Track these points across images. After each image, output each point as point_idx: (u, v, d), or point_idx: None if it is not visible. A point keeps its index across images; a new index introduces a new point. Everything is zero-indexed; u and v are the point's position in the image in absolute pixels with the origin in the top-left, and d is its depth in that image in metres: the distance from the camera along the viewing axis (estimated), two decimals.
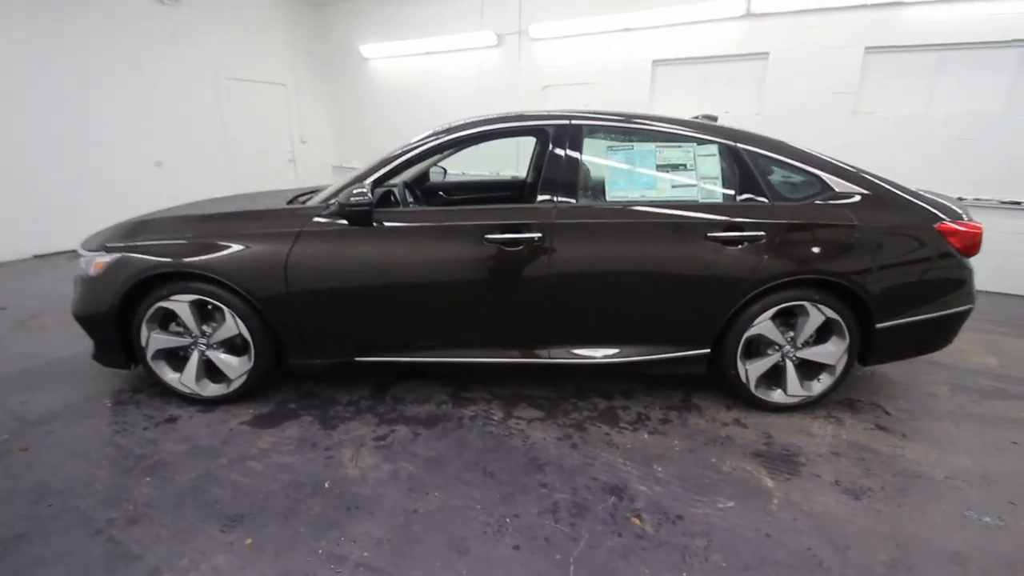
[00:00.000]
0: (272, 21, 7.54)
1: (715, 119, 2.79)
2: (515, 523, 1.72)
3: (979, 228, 2.35)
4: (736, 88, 5.47)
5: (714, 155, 2.32)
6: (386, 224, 2.26)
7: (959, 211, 2.38)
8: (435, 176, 3.92)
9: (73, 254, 5.67)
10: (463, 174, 7.23)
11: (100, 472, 1.98)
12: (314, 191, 2.84)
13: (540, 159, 3.73)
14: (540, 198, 2.28)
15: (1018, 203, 4.51)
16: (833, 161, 2.38)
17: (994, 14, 4.40)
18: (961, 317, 2.43)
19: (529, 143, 3.74)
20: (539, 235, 2.20)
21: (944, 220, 2.31)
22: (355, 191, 2.15)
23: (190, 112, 6.77)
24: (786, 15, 5.03)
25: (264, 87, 7.58)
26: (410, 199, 3.07)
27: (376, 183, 2.32)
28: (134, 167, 6.28)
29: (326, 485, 1.90)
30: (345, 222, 2.24)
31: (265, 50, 7.51)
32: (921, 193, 2.41)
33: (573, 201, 2.26)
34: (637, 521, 1.74)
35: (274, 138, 7.88)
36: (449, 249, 2.25)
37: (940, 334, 2.47)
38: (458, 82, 7.18)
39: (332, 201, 2.29)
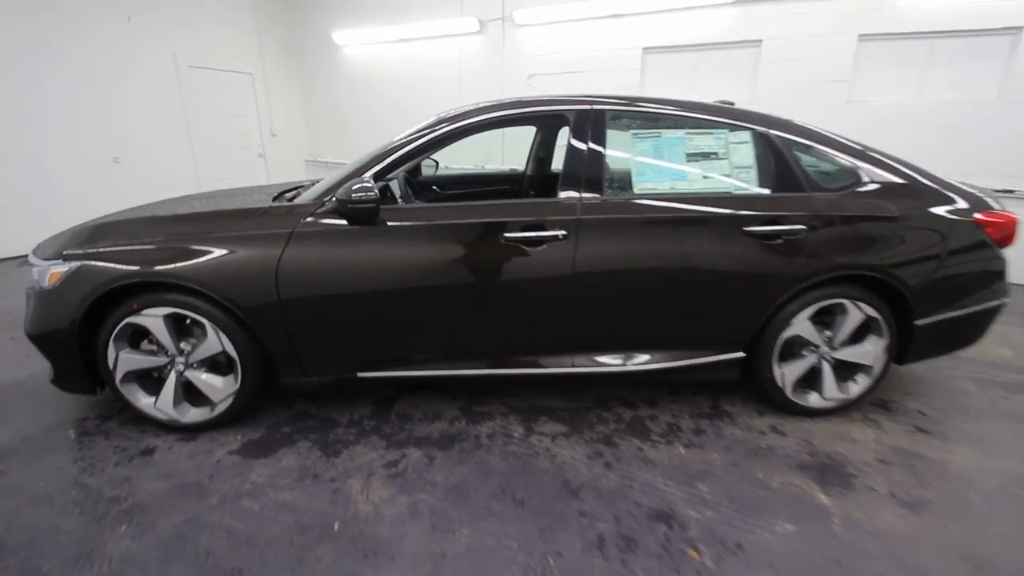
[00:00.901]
0: (236, 5, 7.06)
1: (732, 104, 2.62)
2: (560, 564, 1.52)
3: (1014, 218, 2.24)
4: (728, 76, 5.34)
5: (747, 143, 2.15)
6: (390, 223, 2.01)
7: (992, 201, 2.27)
8: (427, 170, 3.66)
9: (22, 261, 5.17)
10: (446, 168, 7.00)
11: (66, 521, 1.69)
12: (299, 187, 2.56)
13: (542, 150, 3.53)
14: (562, 193, 2.06)
15: (1011, 191, 4.52)
16: (869, 149, 2.24)
17: (985, 1, 4.37)
18: (996, 311, 2.33)
19: (516, 134, 3.52)
20: (563, 232, 1.99)
21: (981, 210, 2.20)
22: (357, 186, 1.89)
23: (150, 103, 6.28)
24: (779, 2, 4.91)
25: (230, 76, 7.11)
26: (408, 194, 2.81)
27: (376, 177, 2.06)
28: (89, 163, 5.78)
29: (336, 527, 1.65)
30: (344, 221, 1.98)
31: (229, 36, 7.04)
32: (954, 183, 2.29)
33: (598, 195, 2.05)
34: (694, 554, 1.56)
35: (242, 131, 7.42)
36: (463, 249, 2.02)
37: (975, 329, 2.36)
38: (438, 71, 6.87)
39: (329, 198, 2.02)
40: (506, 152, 6.28)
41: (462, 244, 2.02)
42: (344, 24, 7.36)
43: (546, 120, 3.15)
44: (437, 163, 3.71)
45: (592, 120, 2.11)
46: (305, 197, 2.11)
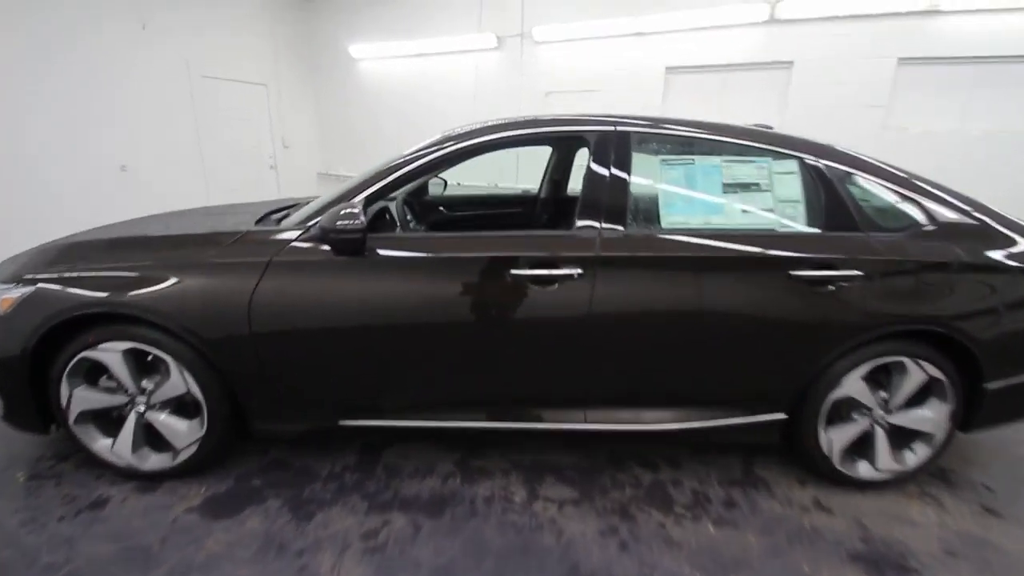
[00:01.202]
0: (253, 16, 7.00)
1: (770, 128, 2.36)
2: None
3: None
4: (756, 98, 5.09)
5: (794, 173, 1.87)
6: (382, 253, 1.76)
7: None
8: (434, 189, 3.43)
9: None
10: (458, 185, 6.80)
11: None
12: (293, 205, 2.33)
13: (557, 172, 3.28)
14: (579, 223, 1.80)
15: None
16: (933, 184, 1.95)
17: None
18: None
19: (532, 151, 3.28)
20: (579, 271, 1.72)
21: None
22: (343, 212, 1.65)
23: (160, 112, 6.18)
24: (813, 22, 4.67)
25: (243, 87, 7.02)
26: (409, 217, 2.57)
27: (369, 200, 1.82)
28: (95, 170, 5.66)
29: None
30: (329, 249, 1.74)
31: (245, 47, 6.96)
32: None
33: (621, 228, 1.79)
34: None
35: (254, 142, 7.31)
36: (463, 286, 1.76)
37: None
38: (454, 86, 6.71)
39: (313, 223, 1.78)
40: (521, 170, 6.06)
41: (462, 280, 1.76)
42: (361, 38, 7.27)
43: (563, 140, 2.90)
44: (445, 182, 3.47)
45: (615, 143, 1.85)
46: (289, 221, 1.87)
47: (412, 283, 1.77)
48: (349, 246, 1.69)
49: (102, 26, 5.53)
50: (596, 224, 1.79)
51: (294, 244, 1.76)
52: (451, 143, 1.89)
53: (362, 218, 1.63)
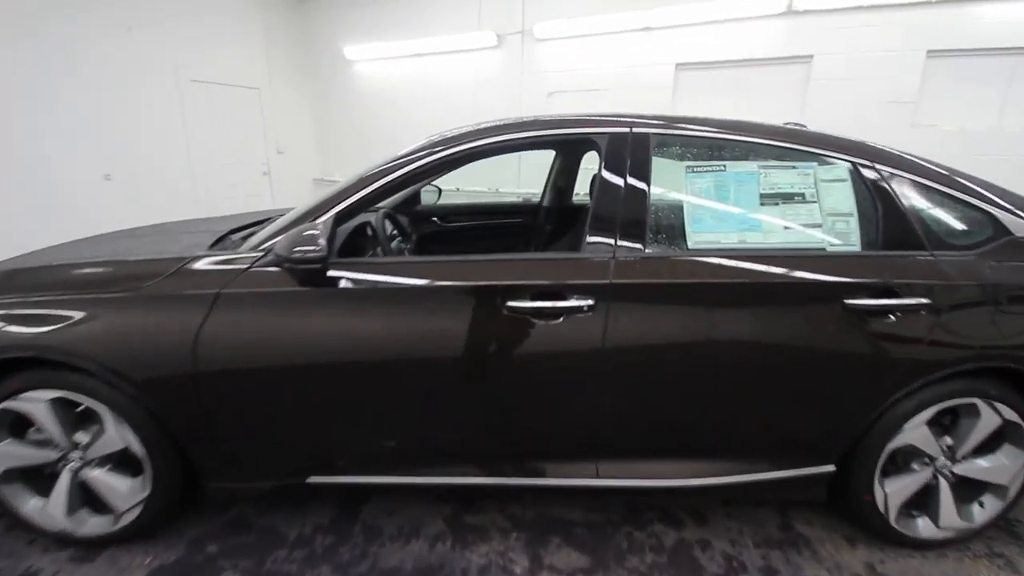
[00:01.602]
0: (244, 18, 6.75)
1: (803, 128, 2.06)
2: None
3: None
4: (773, 95, 4.78)
5: (844, 180, 1.57)
6: (352, 278, 1.48)
7: None
8: (428, 196, 3.15)
9: None
10: (457, 190, 6.52)
11: None
12: (264, 221, 2.05)
13: (561, 177, 2.98)
14: (589, 239, 1.51)
15: None
16: (1008, 194, 1.66)
17: None
18: None
19: (536, 154, 3.00)
20: (589, 302, 1.43)
21: None
22: (303, 234, 1.36)
23: (147, 117, 5.93)
24: (834, 13, 4.36)
25: (235, 91, 6.77)
26: (393, 231, 2.28)
27: (341, 218, 1.54)
28: (76, 180, 5.41)
29: None
30: (289, 277, 1.46)
31: (236, 50, 6.72)
32: None
33: (639, 248, 1.49)
34: None
35: (246, 148, 7.05)
36: (450, 321, 1.47)
37: None
38: (453, 87, 6.44)
39: (268, 245, 1.50)
40: (523, 174, 5.78)
41: (449, 314, 1.47)
42: (356, 39, 7.01)
43: (568, 143, 2.60)
44: (439, 190, 3.19)
45: (631, 147, 1.56)
46: (247, 244, 1.58)
47: (388, 317, 1.48)
48: (308, 276, 1.41)
49: (84, 29, 5.29)
50: (609, 244, 1.50)
51: (249, 272, 1.47)
52: (439, 149, 1.61)
53: (322, 242, 1.34)
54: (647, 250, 1.49)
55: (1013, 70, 4.03)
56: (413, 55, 6.64)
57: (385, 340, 1.47)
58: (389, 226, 2.18)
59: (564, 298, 1.44)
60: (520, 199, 3.33)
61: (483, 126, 1.66)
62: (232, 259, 1.51)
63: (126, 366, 1.44)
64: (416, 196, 3.02)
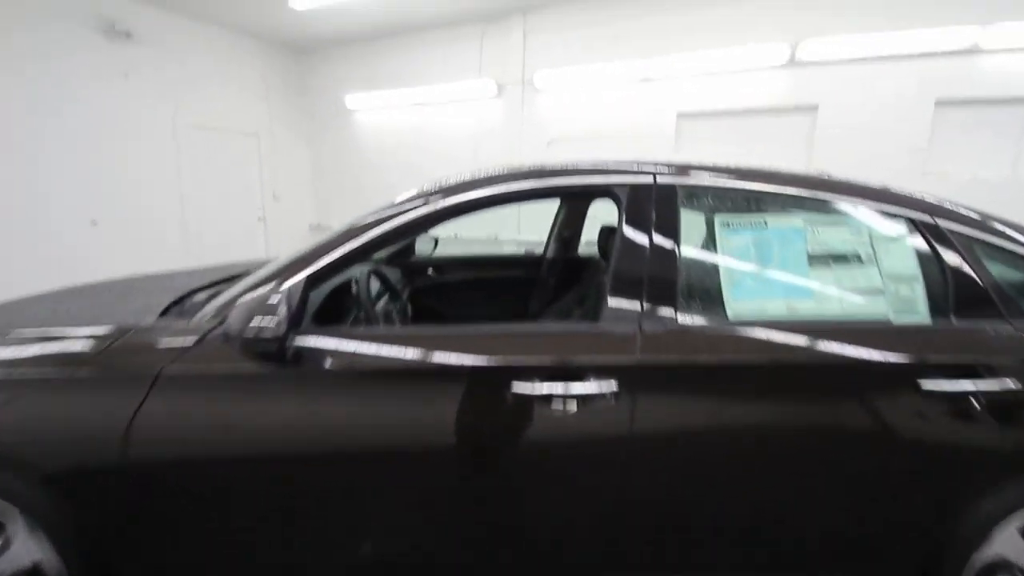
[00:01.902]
0: (243, 65, 6.77)
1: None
2: None
3: None
4: (778, 145, 4.68)
5: (904, 238, 1.35)
6: (324, 351, 1.22)
7: None
8: (423, 246, 2.93)
9: None
10: (455, 236, 6.36)
11: None
12: (235, 277, 1.81)
13: (567, 227, 2.77)
14: (610, 305, 1.26)
15: None
16: None
17: None
18: None
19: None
20: (613, 388, 1.17)
21: None
22: (260, 305, 1.12)
23: (140, 162, 5.82)
24: (838, 63, 4.32)
25: (233, 137, 6.72)
26: (380, 290, 2.04)
27: (316, 280, 1.30)
28: (63, 225, 5.24)
29: None
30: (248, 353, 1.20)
31: (235, 96, 6.70)
32: None
33: (670, 318, 1.25)
34: None
35: (242, 194, 6.94)
36: (439, 408, 1.21)
37: None
38: (454, 136, 6.39)
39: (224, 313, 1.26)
40: (524, 220, 5.64)
41: (439, 400, 1.21)
42: (357, 87, 7.02)
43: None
44: (436, 239, 2.98)
45: (656, 200, 1.34)
46: (203, 312, 1.33)
47: (366, 403, 1.22)
48: (265, 355, 1.15)
49: (79, 72, 5.23)
50: (634, 312, 1.25)
51: (198, 347, 1.22)
52: (436, 199, 1.39)
53: (283, 312, 1.09)
54: (679, 320, 1.25)
55: None
56: (413, 104, 6.64)
57: (362, 432, 1.20)
58: (376, 284, 1.94)
59: (582, 379, 1.18)
60: (522, 250, 3.11)
61: (485, 174, 1.45)
62: (180, 330, 1.26)
63: (43, 460, 1.16)
64: (410, 246, 2.81)
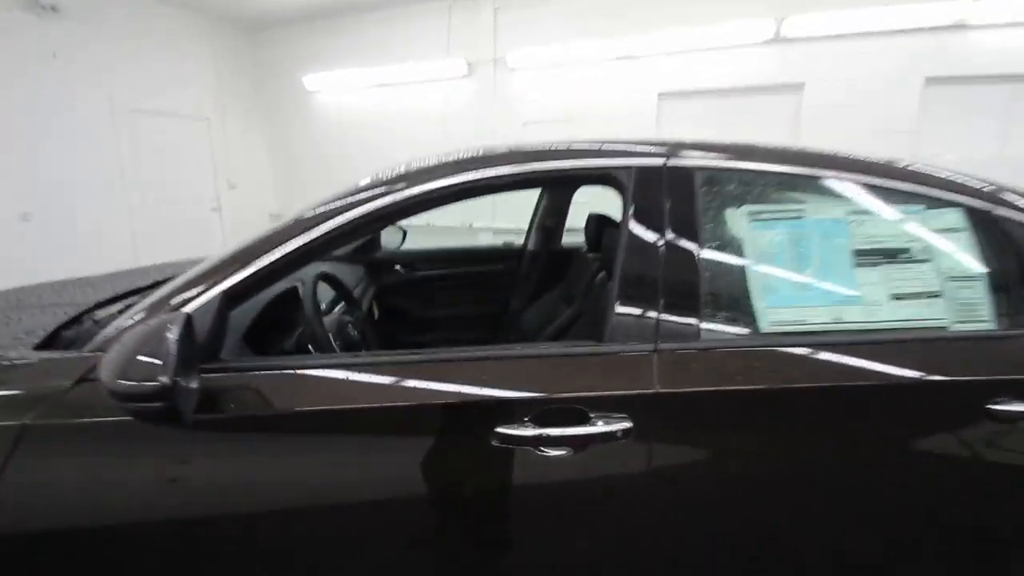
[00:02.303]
0: (190, 42, 6.23)
1: None
2: None
3: None
4: (763, 125, 4.50)
5: (963, 230, 1.13)
6: (243, 393, 0.94)
7: None
8: (389, 240, 2.63)
9: None
10: (428, 225, 6.03)
11: None
12: (156, 285, 1.48)
13: (550, 216, 2.50)
14: (617, 319, 1.00)
15: None
16: None
17: None
18: None
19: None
20: (623, 424, 0.92)
21: None
22: (151, 338, 0.81)
23: (77, 151, 5.28)
24: (825, 40, 4.13)
25: (180, 122, 6.19)
26: (332, 300, 1.74)
27: (240, 294, 1.00)
28: None
29: None
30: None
31: (182, 78, 6.17)
32: None
33: (693, 333, 1.00)
34: None
35: (193, 183, 6.44)
36: (403, 461, 0.95)
37: None
38: (421, 118, 6.02)
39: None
40: (499, 206, 5.36)
41: (396, 450, 0.94)
42: (316, 67, 6.55)
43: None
44: (404, 232, 2.68)
45: (669, 187, 1.08)
46: (94, 340, 1.02)
47: (298, 457, 0.94)
48: (149, 415, 0.85)
49: (9, 61, 4.68)
50: (648, 328, 1.00)
51: (75, 391, 0.91)
52: (391, 192, 1.10)
53: (172, 350, 0.78)
54: (703, 336, 1.00)
55: (1010, 97, 3.83)
56: (378, 85, 6.22)
57: (296, 494, 0.92)
58: (330, 291, 1.64)
59: (585, 420, 0.93)
60: (500, 242, 2.84)
61: (457, 158, 1.17)
62: (56, 368, 0.95)
63: None
64: (375, 240, 2.50)
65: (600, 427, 0.92)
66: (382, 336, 2.23)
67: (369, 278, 2.36)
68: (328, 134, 6.78)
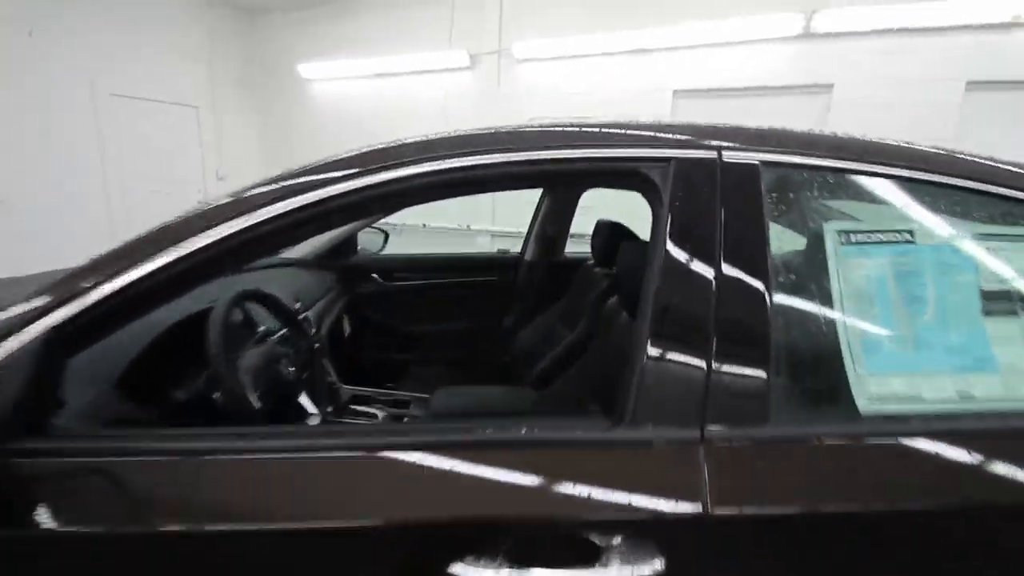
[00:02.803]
0: (179, 25, 5.90)
1: None
2: None
3: None
4: (787, 127, 4.14)
5: None
6: (59, 495, 0.61)
7: None
8: (367, 243, 2.30)
9: None
10: (424, 227, 5.71)
11: None
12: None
13: (551, 222, 2.18)
14: (644, 390, 0.67)
15: None
16: None
17: None
18: None
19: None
20: (657, 561, 0.59)
21: None
22: None
23: (53, 135, 4.97)
24: (858, 36, 3.79)
25: (167, 108, 5.87)
26: (265, 330, 1.38)
27: (82, 334, 0.67)
28: None
29: None
30: None
31: (171, 63, 5.84)
32: None
33: (760, 411, 0.66)
34: None
35: (179, 173, 6.12)
36: None
37: None
38: (423, 112, 5.69)
39: None
40: (499, 208, 5.05)
41: None
42: (313, 56, 6.23)
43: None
44: (386, 235, 2.35)
45: (726, 191, 0.75)
46: None
47: None
48: None
49: None
50: (691, 403, 0.66)
51: None
52: (353, 174, 0.77)
53: None
54: (775, 417, 0.67)
55: None
56: (376, 75, 5.90)
57: None
58: (269, 312, 1.28)
59: (592, 556, 0.59)
60: (496, 252, 2.50)
61: (426, 139, 0.83)
62: None
63: None
64: (350, 242, 2.17)
65: (614, 569, 0.58)
66: (351, 357, 1.91)
67: (340, 287, 2.03)
68: (324, 125, 6.46)
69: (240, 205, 0.74)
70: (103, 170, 5.38)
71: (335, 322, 1.84)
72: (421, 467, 0.64)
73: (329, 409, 1.36)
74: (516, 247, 2.36)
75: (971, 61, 3.57)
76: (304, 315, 1.49)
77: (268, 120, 6.83)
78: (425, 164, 0.75)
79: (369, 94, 6.06)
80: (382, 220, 2.19)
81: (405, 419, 1.48)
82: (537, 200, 2.29)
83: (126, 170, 5.52)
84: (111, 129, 5.38)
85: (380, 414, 1.48)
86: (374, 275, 2.19)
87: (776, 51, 4.02)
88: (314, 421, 1.09)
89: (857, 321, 0.73)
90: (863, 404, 0.69)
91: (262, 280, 1.54)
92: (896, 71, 3.73)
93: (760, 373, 0.67)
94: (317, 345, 1.44)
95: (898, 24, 3.63)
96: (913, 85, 3.70)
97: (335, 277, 2.04)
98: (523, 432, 0.66)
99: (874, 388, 0.70)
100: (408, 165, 0.75)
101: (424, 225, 5.51)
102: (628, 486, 0.62)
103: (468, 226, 5.34)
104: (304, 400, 1.10)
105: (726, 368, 0.67)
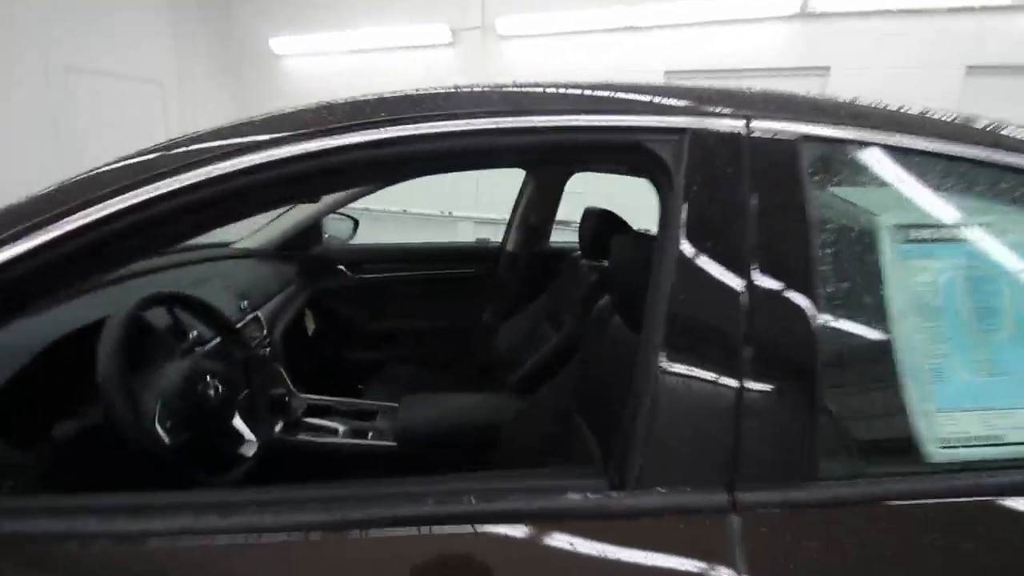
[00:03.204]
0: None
1: None
2: None
3: None
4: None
5: None
6: None
7: None
8: (335, 229, 2.09)
9: None
10: (404, 212, 5.48)
11: None
12: None
13: (535, 209, 2.00)
14: (652, 442, 0.50)
15: None
16: None
17: None
18: None
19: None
20: None
21: None
22: None
23: (4, 114, 4.62)
24: (856, 17, 3.64)
25: (128, 84, 5.51)
26: (188, 344, 1.15)
27: None
28: None
29: None
30: None
31: (132, 35, 5.47)
32: None
33: (804, 463, 0.50)
34: None
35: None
36: None
37: None
38: (398, 86, 5.42)
39: None
40: (483, 192, 4.83)
41: None
42: (285, 30, 5.90)
43: (556, 150, 1.48)
44: (356, 222, 2.14)
45: (756, 173, 0.57)
46: None
47: None
48: None
49: None
50: (716, 447, 0.50)
51: None
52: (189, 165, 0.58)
53: None
54: (824, 471, 0.51)
55: None
56: (352, 51, 5.61)
57: None
58: (195, 320, 1.06)
59: None
60: (475, 241, 2.31)
61: (380, 97, 0.66)
62: None
63: None
64: (314, 229, 1.96)
65: None
66: (314, 361, 1.72)
67: (301, 281, 1.83)
68: (295, 101, 6.14)
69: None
70: (59, 150, 5.03)
71: (294, 321, 1.65)
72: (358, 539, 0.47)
73: (279, 427, 1.18)
74: (495, 238, 2.19)
75: (972, 45, 3.44)
76: (252, 315, 1.30)
77: (238, 97, 6.47)
78: (486, 118, 0.57)
79: (345, 70, 5.77)
80: (350, 204, 1.98)
81: (370, 434, 1.31)
82: (520, 185, 2.11)
83: (83, 151, 5.17)
84: (65, 105, 5.03)
85: (341, 428, 1.31)
86: (340, 267, 1.99)
87: (772, 31, 3.85)
88: (250, 449, 0.92)
89: (922, 342, 0.56)
90: (932, 450, 0.53)
91: (203, 274, 1.35)
92: (895, 55, 3.59)
93: (806, 413, 0.51)
94: (267, 351, 1.26)
95: (898, 5, 3.48)
96: (912, 70, 3.57)
97: (295, 270, 1.84)
98: (501, 504, 0.49)
99: (947, 430, 0.54)
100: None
101: (405, 211, 5.30)
102: (632, 572, 0.45)
103: (450, 212, 5.13)
104: (238, 423, 0.92)
105: (762, 407, 0.50)
